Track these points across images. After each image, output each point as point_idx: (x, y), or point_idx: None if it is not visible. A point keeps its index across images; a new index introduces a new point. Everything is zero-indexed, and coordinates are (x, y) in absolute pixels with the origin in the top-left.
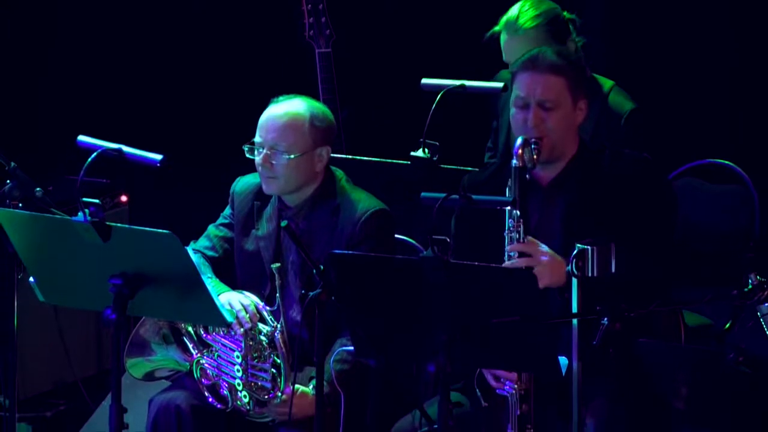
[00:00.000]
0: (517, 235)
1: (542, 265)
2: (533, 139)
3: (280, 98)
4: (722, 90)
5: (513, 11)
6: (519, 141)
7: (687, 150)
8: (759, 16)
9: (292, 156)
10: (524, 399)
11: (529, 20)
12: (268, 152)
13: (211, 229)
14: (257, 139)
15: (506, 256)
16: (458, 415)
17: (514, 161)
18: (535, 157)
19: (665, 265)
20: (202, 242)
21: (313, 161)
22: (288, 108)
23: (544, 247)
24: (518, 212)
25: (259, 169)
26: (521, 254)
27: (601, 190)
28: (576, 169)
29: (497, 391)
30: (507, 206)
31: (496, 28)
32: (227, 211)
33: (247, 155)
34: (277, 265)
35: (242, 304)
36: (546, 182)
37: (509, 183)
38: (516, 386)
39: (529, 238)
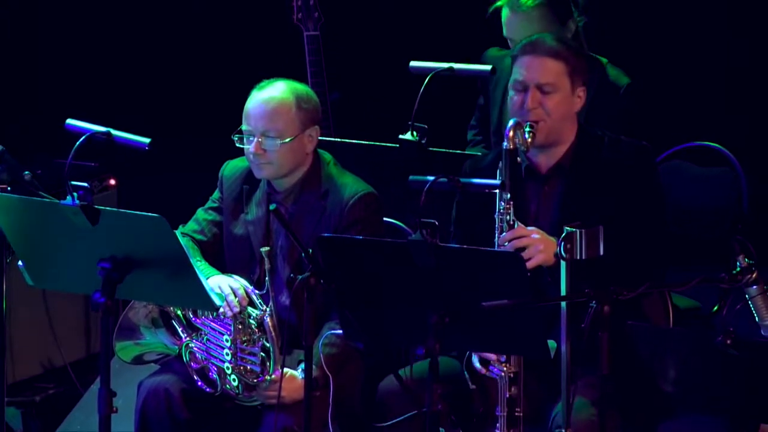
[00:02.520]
0: (508, 218)
1: (534, 244)
2: (528, 122)
3: (263, 83)
4: (709, 73)
5: None
6: (511, 123)
7: (674, 133)
8: None
9: (285, 141)
10: (513, 382)
11: None
12: (260, 140)
13: (200, 212)
14: (245, 127)
15: (496, 242)
16: (449, 395)
17: (505, 143)
18: (529, 140)
19: (660, 252)
20: (191, 226)
21: (303, 143)
22: (272, 93)
23: (533, 228)
24: (508, 195)
25: (251, 156)
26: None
27: (599, 178)
28: (574, 156)
29: (486, 374)
30: (496, 189)
31: (499, 2)
32: (216, 194)
33: (238, 145)
34: (266, 248)
35: (231, 288)
36: (545, 169)
37: (500, 165)
38: (505, 369)
39: (518, 223)
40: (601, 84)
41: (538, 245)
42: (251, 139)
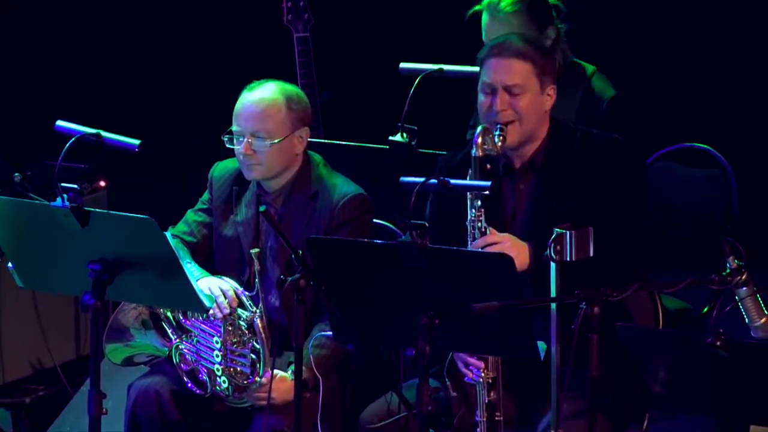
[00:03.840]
0: (480, 224)
1: (506, 250)
2: (498, 125)
3: (253, 84)
4: (698, 74)
5: None
6: (479, 129)
7: (664, 134)
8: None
9: (275, 141)
10: (492, 386)
11: (509, 4)
12: (250, 140)
13: (190, 214)
14: (235, 128)
15: (468, 248)
16: (436, 399)
17: (474, 150)
18: (499, 144)
19: (635, 245)
20: (181, 227)
21: (293, 144)
22: (263, 94)
23: (505, 234)
24: (479, 202)
25: (240, 157)
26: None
27: (571, 172)
28: (546, 152)
29: (465, 379)
30: (486, 191)
31: (479, 6)
32: (205, 196)
33: (228, 145)
34: (256, 250)
35: (221, 290)
36: (518, 166)
37: (469, 173)
38: (483, 374)
39: (490, 229)
40: (586, 95)
41: (510, 251)
42: (241, 139)
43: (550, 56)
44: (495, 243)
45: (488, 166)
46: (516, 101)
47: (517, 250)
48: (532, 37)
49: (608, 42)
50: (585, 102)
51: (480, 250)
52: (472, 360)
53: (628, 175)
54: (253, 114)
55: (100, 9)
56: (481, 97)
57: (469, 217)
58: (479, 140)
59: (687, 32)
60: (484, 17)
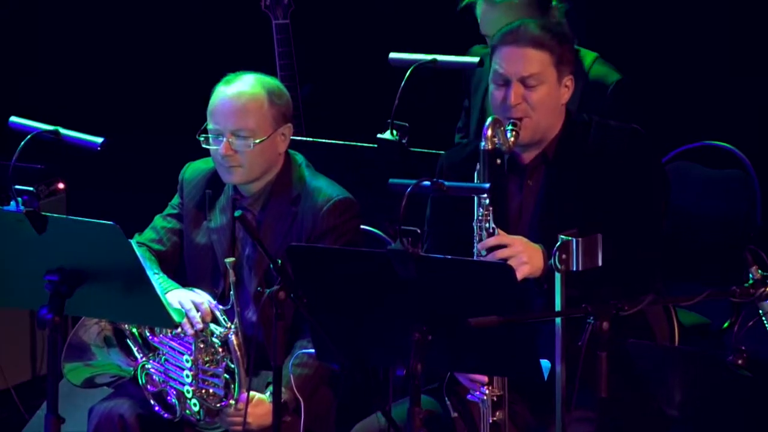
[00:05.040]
0: (488, 225)
1: (518, 255)
2: (511, 120)
3: (229, 77)
4: (720, 65)
5: None
6: (489, 120)
7: (680, 131)
8: None
9: (257, 141)
10: (497, 405)
11: None
12: (230, 140)
13: (158, 220)
14: (212, 126)
15: (474, 252)
16: (429, 422)
17: (483, 143)
18: (512, 140)
19: (649, 252)
20: (148, 234)
21: (276, 143)
22: (241, 88)
23: (516, 237)
24: (487, 200)
25: (219, 158)
26: (491, 249)
27: (584, 168)
28: (559, 145)
29: (468, 396)
30: (483, 194)
31: None
32: (176, 200)
33: (204, 146)
34: (231, 259)
35: (193, 303)
36: (527, 161)
37: (477, 167)
38: (488, 392)
39: (498, 230)
40: (586, 84)
41: (521, 256)
42: (220, 139)
43: (567, 43)
44: (504, 245)
45: (498, 160)
46: (531, 94)
47: (529, 254)
48: (549, 22)
49: (612, 27)
50: (586, 91)
51: (479, 259)
52: (474, 376)
53: (646, 171)
54: (232, 110)
55: None
56: (493, 88)
57: (475, 217)
58: (489, 132)
59: (704, 15)
60: (480, 7)
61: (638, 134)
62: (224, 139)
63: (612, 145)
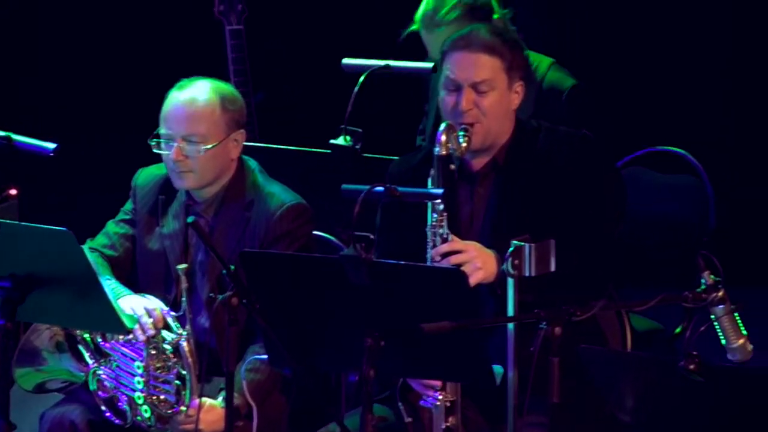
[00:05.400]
0: (441, 231)
1: (471, 261)
2: (462, 126)
3: (182, 83)
4: (673, 72)
5: (428, 3)
6: (442, 126)
7: (633, 136)
8: None
9: (209, 146)
10: (450, 411)
11: (448, 12)
12: (181, 145)
13: (110, 225)
14: (163, 131)
15: (428, 258)
16: (382, 429)
17: (437, 149)
18: (464, 145)
19: (603, 255)
20: (100, 240)
21: (228, 148)
22: (194, 93)
23: (470, 243)
24: (441, 206)
25: (170, 164)
26: (445, 255)
27: (534, 175)
28: (509, 152)
29: (421, 402)
30: (437, 199)
31: (413, 26)
32: (128, 206)
33: (155, 150)
34: (184, 266)
35: (146, 309)
36: (477, 168)
37: (431, 173)
38: (441, 397)
39: (452, 236)
40: (541, 90)
41: (476, 262)
42: (171, 144)
43: (518, 49)
44: (458, 251)
45: (452, 166)
46: (482, 99)
47: (483, 259)
48: (500, 28)
49: (567, 33)
50: (541, 98)
51: (432, 264)
52: (427, 381)
53: (597, 176)
54: (184, 116)
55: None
56: (443, 94)
57: (429, 223)
58: (443, 138)
59: (661, 23)
60: (424, 35)
61: (587, 140)
62: (175, 144)
63: (561, 151)
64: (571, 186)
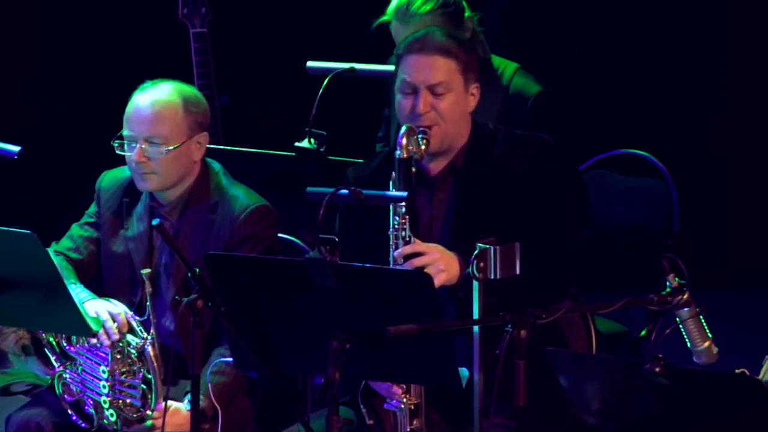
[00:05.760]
0: (404, 233)
1: (434, 263)
2: (420, 129)
3: (146, 84)
4: (637, 74)
5: None
6: (403, 129)
7: (598, 140)
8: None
9: (170, 148)
10: (414, 414)
11: (421, 5)
12: (143, 146)
13: (75, 228)
14: (126, 132)
15: (391, 260)
16: (348, 430)
17: (398, 152)
18: (423, 147)
19: (564, 258)
20: (65, 243)
21: (191, 150)
22: (157, 95)
23: (432, 245)
24: (403, 209)
25: (133, 165)
26: (408, 257)
27: (492, 179)
28: (466, 156)
29: (385, 405)
30: (402, 202)
31: (385, 17)
32: (92, 208)
33: (118, 152)
34: (147, 271)
35: (110, 313)
36: (435, 173)
37: (392, 176)
38: (405, 400)
39: (415, 239)
40: (506, 96)
41: (439, 264)
42: (133, 145)
43: (473, 51)
44: (421, 253)
45: (414, 169)
46: (439, 102)
47: (446, 261)
48: (453, 30)
49: (531, 37)
50: (507, 103)
51: (396, 267)
52: (388, 385)
53: (555, 179)
54: (146, 117)
55: None
56: (399, 97)
57: (392, 226)
58: (404, 141)
59: (622, 26)
60: (394, 26)
61: (544, 143)
62: (137, 146)
63: (519, 155)
64: (530, 189)
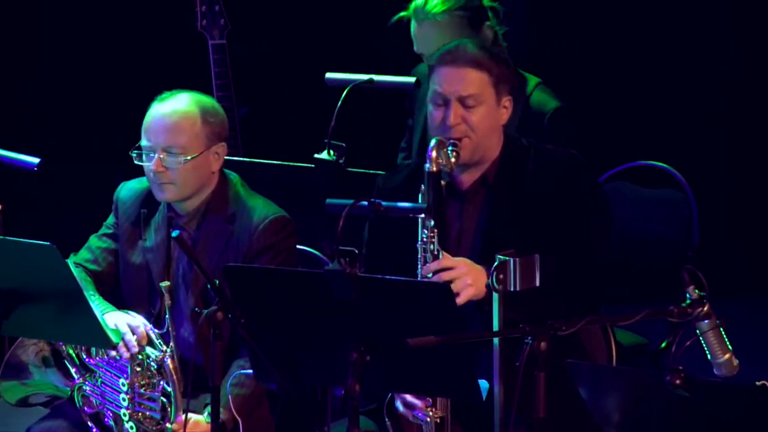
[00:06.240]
0: (432, 247)
1: (462, 277)
2: (451, 141)
3: (164, 95)
4: (656, 87)
5: None
6: (433, 142)
7: (618, 151)
8: (692, 9)
9: (189, 158)
10: (440, 427)
11: (438, 5)
12: (161, 156)
13: (93, 240)
14: (145, 143)
15: (418, 274)
16: None
17: (428, 165)
18: (453, 160)
19: (592, 271)
20: (83, 255)
21: (209, 161)
22: (176, 105)
23: (460, 259)
24: (432, 222)
25: (151, 175)
26: (435, 272)
27: (524, 193)
28: (499, 169)
29: (410, 419)
30: (421, 214)
31: (405, 13)
32: (110, 220)
33: (136, 162)
34: (167, 283)
35: (130, 326)
36: (466, 185)
37: (422, 189)
38: (431, 413)
39: (443, 253)
40: (525, 110)
41: (466, 278)
42: (151, 155)
43: (505, 64)
44: (449, 268)
45: (443, 182)
46: (470, 114)
47: (474, 275)
48: (486, 43)
49: (550, 51)
50: (525, 117)
51: (417, 280)
52: (413, 399)
53: (586, 196)
54: (164, 127)
55: None
56: (431, 108)
57: (420, 239)
58: (433, 154)
59: (640, 40)
60: (413, 25)
61: (576, 160)
62: (156, 156)
63: (551, 171)
64: (561, 206)
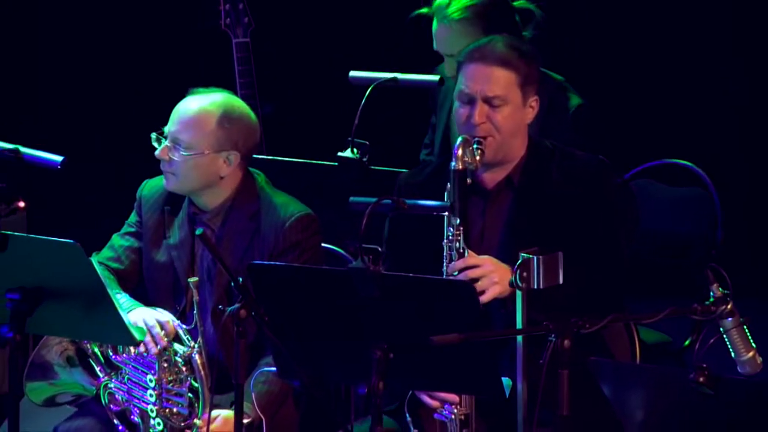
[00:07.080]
0: (458, 245)
1: (488, 275)
2: (476, 139)
3: (200, 89)
4: (680, 85)
5: None
6: (459, 140)
7: (642, 149)
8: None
9: (189, 154)
10: (465, 424)
11: (457, 11)
12: (169, 145)
13: (116, 238)
14: (166, 128)
15: (444, 272)
16: None
17: (453, 163)
18: (477, 158)
19: (615, 276)
20: (106, 253)
21: (216, 164)
22: (201, 102)
23: (486, 257)
24: (458, 220)
25: (161, 162)
26: (461, 270)
27: (549, 195)
28: (524, 171)
29: (435, 415)
30: (444, 212)
31: (426, 9)
32: (133, 218)
33: (153, 143)
34: (194, 279)
35: (158, 321)
36: (491, 185)
37: (447, 187)
38: (456, 410)
39: (469, 251)
40: (549, 109)
41: (492, 276)
42: (163, 141)
43: (534, 63)
44: (475, 266)
45: (469, 180)
46: (496, 113)
47: (500, 274)
48: (517, 40)
49: (576, 49)
50: (548, 115)
51: (441, 278)
52: (443, 395)
53: (612, 202)
54: (180, 119)
55: (19, 12)
56: (457, 105)
57: (446, 238)
58: (459, 152)
59: (665, 38)
60: (434, 23)
61: (603, 165)
62: (165, 142)
63: (578, 175)
64: (587, 210)
